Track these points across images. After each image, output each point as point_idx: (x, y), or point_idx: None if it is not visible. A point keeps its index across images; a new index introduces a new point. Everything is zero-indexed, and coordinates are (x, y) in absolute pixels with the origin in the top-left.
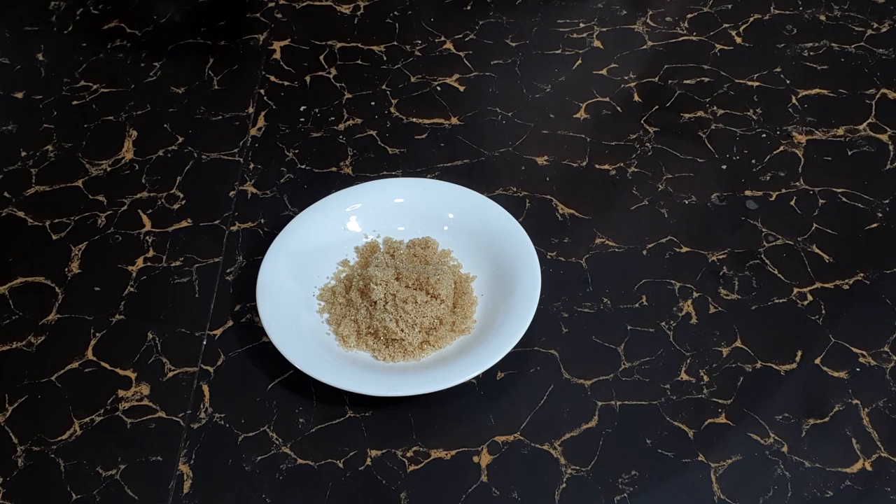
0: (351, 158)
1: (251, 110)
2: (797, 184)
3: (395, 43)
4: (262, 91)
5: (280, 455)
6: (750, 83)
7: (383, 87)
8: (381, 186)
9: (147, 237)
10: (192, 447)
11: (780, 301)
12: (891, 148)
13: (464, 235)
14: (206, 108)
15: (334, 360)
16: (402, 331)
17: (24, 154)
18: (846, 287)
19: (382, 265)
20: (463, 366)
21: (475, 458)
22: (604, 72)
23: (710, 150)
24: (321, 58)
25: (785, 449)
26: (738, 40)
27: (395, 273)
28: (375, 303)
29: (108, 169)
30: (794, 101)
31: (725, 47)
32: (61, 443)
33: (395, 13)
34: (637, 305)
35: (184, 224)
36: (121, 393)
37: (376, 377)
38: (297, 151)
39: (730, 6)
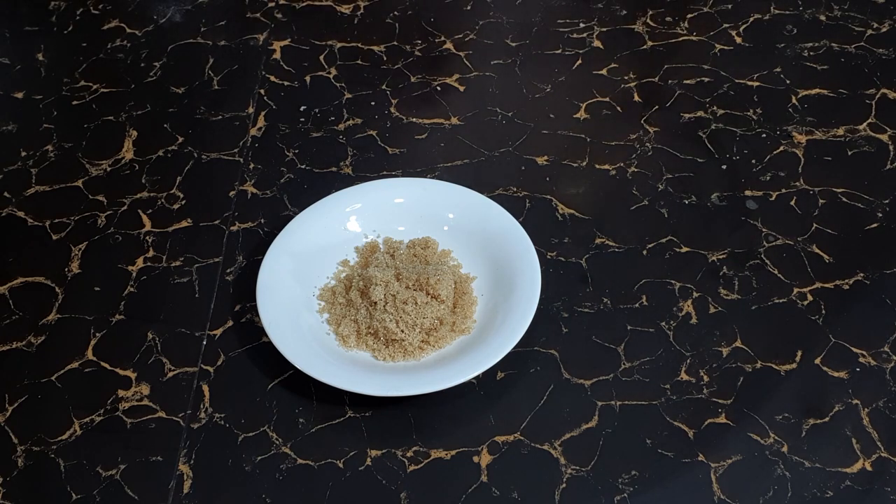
0: (351, 158)
1: (251, 110)
2: (797, 184)
3: (395, 43)
4: (262, 91)
5: (280, 455)
6: (750, 83)
7: (383, 87)
8: (381, 186)
9: (147, 237)
10: (192, 447)
11: (780, 301)
12: (891, 148)
13: (464, 235)
14: (206, 108)
15: (334, 360)
16: (402, 331)
17: (24, 154)
18: (846, 287)
19: (382, 265)
20: (463, 366)
21: (475, 458)
22: (604, 72)
23: (710, 150)
24: (321, 58)
25: (785, 449)
26: (738, 40)
27: (395, 273)
28: (375, 303)
29: (108, 169)
30: (794, 101)
31: (725, 47)
32: (61, 443)
33: (395, 13)
34: (637, 305)
35: (184, 224)
36: (121, 393)
37: (376, 377)
38: (297, 151)
39: (730, 6)
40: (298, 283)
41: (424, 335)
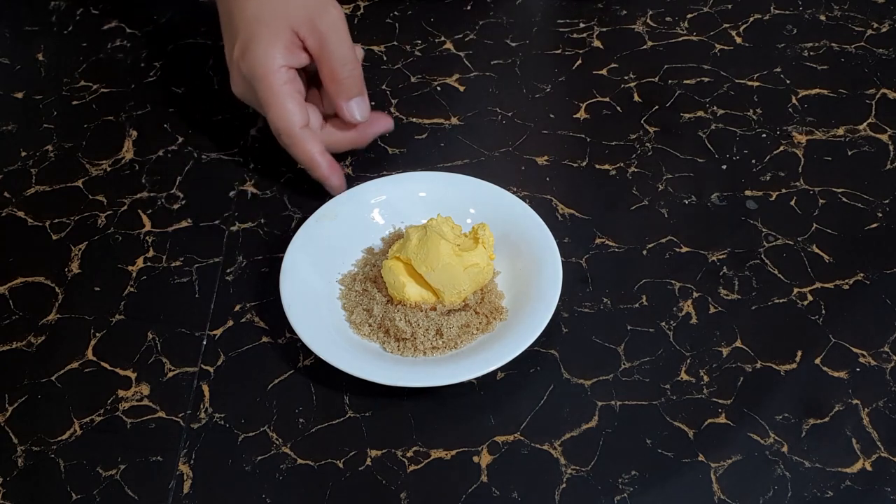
0: (351, 158)
1: (251, 110)
2: (797, 184)
3: (395, 43)
4: None
5: (280, 455)
6: (750, 83)
7: (383, 87)
8: (406, 180)
9: (147, 237)
10: (192, 447)
11: (780, 301)
12: (891, 148)
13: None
14: (206, 108)
15: (346, 344)
16: (414, 335)
17: (24, 154)
18: (846, 287)
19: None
20: (471, 364)
21: (475, 458)
22: (604, 72)
23: (710, 150)
24: None
25: (785, 449)
26: (738, 40)
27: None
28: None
29: (108, 169)
30: (794, 101)
31: (725, 47)
32: (61, 443)
33: (395, 13)
34: (637, 305)
35: (184, 224)
36: (121, 393)
37: (383, 366)
38: None
39: (730, 6)
40: (322, 267)
41: (436, 338)
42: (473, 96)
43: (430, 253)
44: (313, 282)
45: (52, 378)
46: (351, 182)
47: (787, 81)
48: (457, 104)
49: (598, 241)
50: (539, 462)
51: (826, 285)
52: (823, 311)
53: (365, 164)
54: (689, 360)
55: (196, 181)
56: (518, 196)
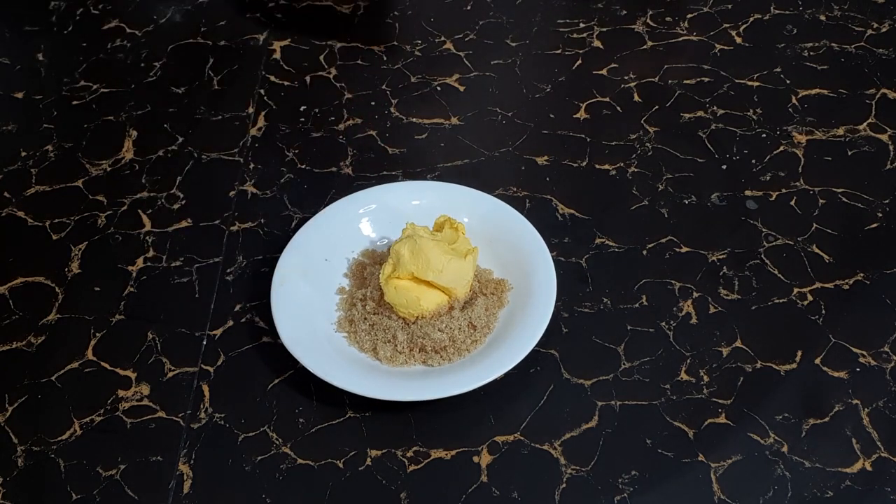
0: (351, 158)
1: (251, 110)
2: (797, 184)
3: (395, 43)
4: (262, 91)
5: (280, 455)
6: (750, 83)
7: (383, 87)
8: (394, 189)
9: (147, 237)
10: (192, 447)
11: (780, 301)
12: (891, 148)
13: (479, 241)
14: (206, 108)
15: (342, 359)
16: (453, 338)
17: (24, 154)
18: (846, 287)
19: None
20: (471, 375)
21: (475, 458)
22: (604, 72)
23: (710, 150)
24: (321, 58)
25: (785, 449)
26: (738, 40)
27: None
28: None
29: (108, 169)
30: (794, 101)
31: (725, 47)
32: (61, 443)
33: (395, 13)
34: (637, 305)
35: (184, 224)
36: (121, 393)
37: (384, 380)
38: (297, 151)
39: (730, 6)
40: (314, 280)
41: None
42: (473, 96)
43: (431, 258)
44: (307, 297)
45: (52, 378)
46: (351, 181)
47: (787, 81)
48: (457, 104)
49: (598, 241)
50: (539, 462)
51: (826, 285)
52: (823, 311)
53: (365, 163)
54: (689, 360)
55: (196, 181)
56: (518, 196)
